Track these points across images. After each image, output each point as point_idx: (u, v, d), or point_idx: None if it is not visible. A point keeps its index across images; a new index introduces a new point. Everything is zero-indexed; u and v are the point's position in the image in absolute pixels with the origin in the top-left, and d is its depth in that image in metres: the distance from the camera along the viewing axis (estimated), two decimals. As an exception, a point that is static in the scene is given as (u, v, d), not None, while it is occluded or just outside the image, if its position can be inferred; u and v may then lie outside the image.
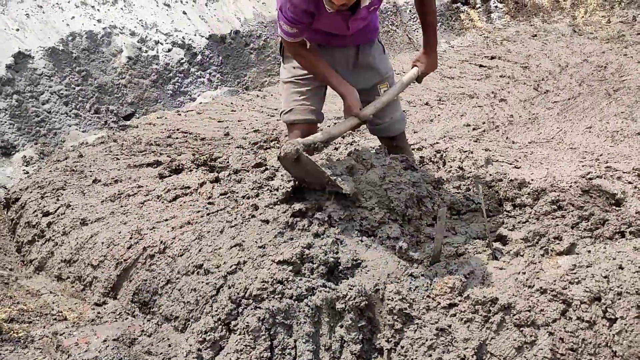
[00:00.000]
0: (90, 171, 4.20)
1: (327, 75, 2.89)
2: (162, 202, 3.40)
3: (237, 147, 4.57)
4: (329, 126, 4.49)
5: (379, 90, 3.13)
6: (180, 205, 3.30)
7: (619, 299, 2.25)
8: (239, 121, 5.69)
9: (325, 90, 3.18)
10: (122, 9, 6.53)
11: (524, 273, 2.42)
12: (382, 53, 3.26)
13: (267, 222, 2.74)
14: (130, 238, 2.96)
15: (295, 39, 2.81)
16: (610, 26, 8.68)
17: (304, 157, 2.56)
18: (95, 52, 6.07)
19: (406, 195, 2.80)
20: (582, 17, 9.23)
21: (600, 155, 4.00)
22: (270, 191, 2.99)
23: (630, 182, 3.28)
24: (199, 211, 3.10)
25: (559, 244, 2.63)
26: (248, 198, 3.06)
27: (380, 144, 3.48)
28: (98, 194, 3.70)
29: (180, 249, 2.70)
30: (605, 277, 2.33)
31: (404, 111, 3.50)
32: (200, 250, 2.63)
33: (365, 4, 2.75)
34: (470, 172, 3.64)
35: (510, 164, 3.93)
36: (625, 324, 2.18)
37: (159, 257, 2.75)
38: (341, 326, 2.29)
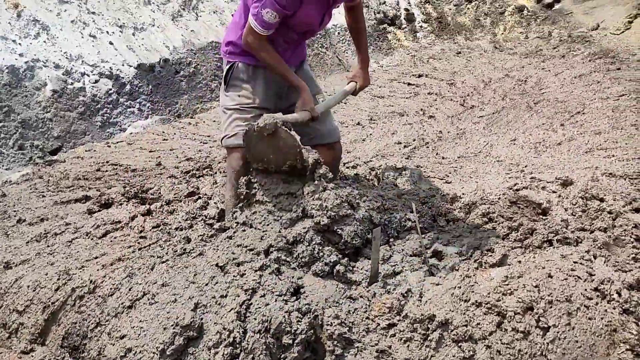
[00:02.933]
0: (15, 210, 4.02)
1: (285, 71, 3.06)
2: (92, 239, 3.28)
3: (169, 177, 4.48)
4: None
5: (317, 100, 3.28)
6: (111, 241, 3.19)
7: (551, 307, 2.31)
8: (170, 150, 5.59)
9: None
10: (45, 41, 6.33)
11: (460, 287, 2.46)
12: (310, 70, 3.51)
13: (201, 255, 2.68)
14: (58, 279, 2.83)
15: (268, 31, 2.94)
16: (528, 41, 9.07)
17: (282, 130, 2.69)
18: (18, 87, 5.85)
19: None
20: (502, 33, 9.60)
21: (525, 166, 4.14)
22: (204, 221, 2.94)
23: (554, 192, 3.40)
24: (130, 246, 3.01)
25: (491, 255, 2.69)
26: (181, 230, 2.99)
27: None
28: (23, 234, 3.54)
29: (111, 288, 2.60)
30: (535, 286, 2.39)
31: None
32: (130, 290, 2.54)
33: None
34: (404, 189, 3.69)
35: (442, 179, 4.01)
36: (557, 332, 2.24)
37: (88, 298, 2.65)
38: (285, 358, 2.25)
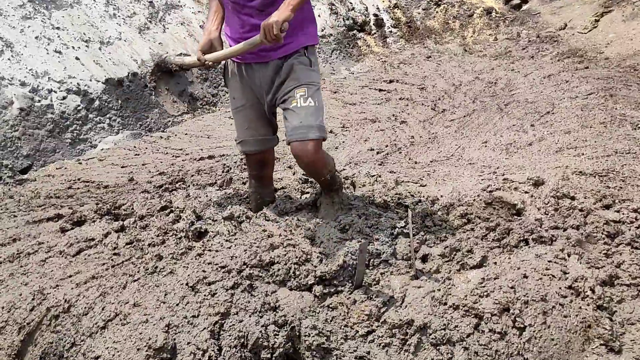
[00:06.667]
0: (-15, 232, 3.94)
1: (210, 11, 3.07)
2: (65, 258, 3.22)
3: (142, 192, 4.43)
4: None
5: (294, 94, 2.86)
6: (85, 259, 3.14)
7: (526, 307, 2.33)
8: (143, 165, 5.53)
9: (265, 113, 3.12)
10: (9, 59, 6.23)
11: (439, 290, 2.47)
12: (309, 66, 2.94)
13: (172, 272, 2.65)
14: (33, 299, 2.78)
15: None
16: (498, 43, 9.17)
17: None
18: (-17, 106, 5.75)
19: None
20: (471, 36, 9.70)
21: (497, 168, 4.17)
22: (176, 236, 2.92)
23: (526, 192, 3.44)
24: (103, 264, 2.96)
25: (471, 257, 2.71)
26: (154, 246, 2.96)
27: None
28: (-6, 256, 3.47)
29: (85, 307, 2.56)
30: (511, 287, 2.42)
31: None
32: (103, 309, 2.50)
33: None
34: (382, 194, 3.68)
35: (416, 182, 4.02)
36: (533, 331, 2.26)
37: (63, 317, 2.60)
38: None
